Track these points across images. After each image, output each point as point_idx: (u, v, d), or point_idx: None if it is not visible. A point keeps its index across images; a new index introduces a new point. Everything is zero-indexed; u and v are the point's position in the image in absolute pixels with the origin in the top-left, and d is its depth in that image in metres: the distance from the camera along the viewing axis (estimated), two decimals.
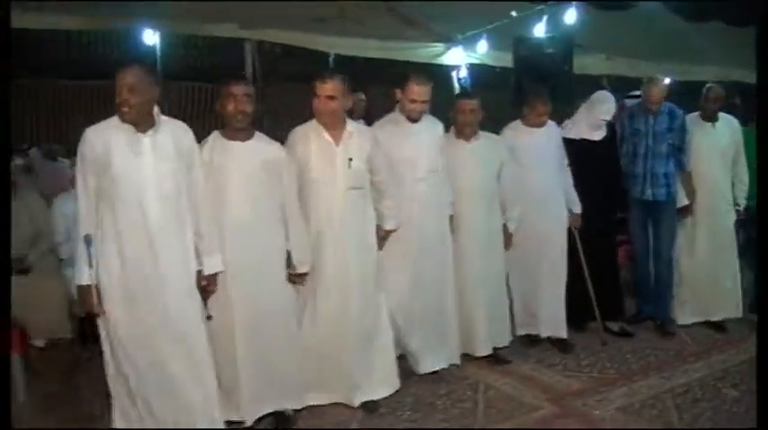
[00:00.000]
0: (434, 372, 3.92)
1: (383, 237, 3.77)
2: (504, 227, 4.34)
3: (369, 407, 3.55)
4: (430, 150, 3.96)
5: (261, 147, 3.33)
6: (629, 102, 5.02)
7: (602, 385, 3.88)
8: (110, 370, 2.93)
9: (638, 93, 6.13)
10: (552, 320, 4.48)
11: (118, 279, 2.87)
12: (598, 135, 4.73)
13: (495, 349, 4.22)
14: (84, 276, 2.85)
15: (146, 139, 2.87)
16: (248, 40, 6.56)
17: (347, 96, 3.58)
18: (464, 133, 4.22)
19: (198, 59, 8.64)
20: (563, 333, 4.49)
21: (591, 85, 8.31)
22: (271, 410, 3.36)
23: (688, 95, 5.64)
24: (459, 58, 7.73)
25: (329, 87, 3.48)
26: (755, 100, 3.66)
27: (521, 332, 4.54)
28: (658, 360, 4.29)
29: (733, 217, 5.00)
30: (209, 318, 3.06)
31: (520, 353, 4.35)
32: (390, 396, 3.64)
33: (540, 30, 6.85)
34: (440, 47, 7.65)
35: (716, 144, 4.92)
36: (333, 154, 3.51)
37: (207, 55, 8.45)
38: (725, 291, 4.98)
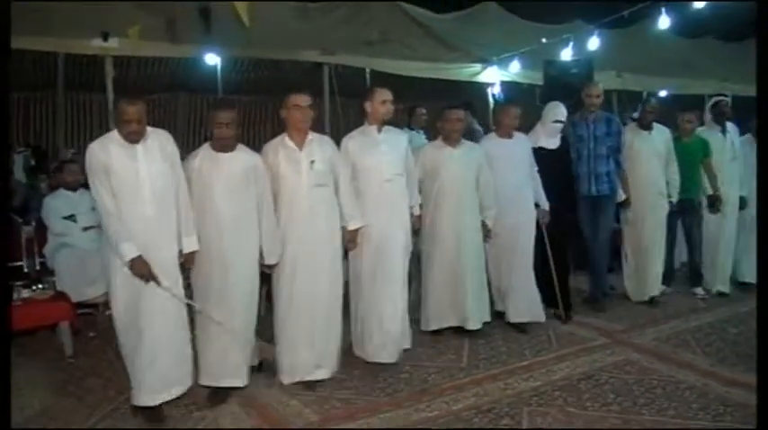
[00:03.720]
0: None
1: (350, 238, 4.22)
2: (483, 222, 4.92)
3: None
4: (394, 156, 4.39)
5: (241, 157, 3.87)
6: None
7: (637, 327, 5.19)
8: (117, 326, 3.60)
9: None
10: (523, 305, 5.07)
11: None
12: (553, 143, 5.33)
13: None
14: (131, 250, 3.43)
15: (138, 147, 3.52)
16: (327, 63, 7.86)
17: (314, 109, 4.09)
18: (451, 139, 4.84)
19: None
20: (540, 317, 5.11)
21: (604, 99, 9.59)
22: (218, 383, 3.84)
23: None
24: (494, 77, 9.03)
25: (307, 98, 4.01)
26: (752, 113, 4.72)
27: (497, 308, 5.18)
28: (677, 311, 5.60)
29: (666, 208, 5.77)
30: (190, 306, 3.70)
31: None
32: (482, 340, 4.83)
33: (566, 53, 8.14)
34: (477, 67, 8.95)
35: (653, 148, 5.72)
36: (297, 158, 4.01)
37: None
38: (659, 271, 5.83)
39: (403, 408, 3.70)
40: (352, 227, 4.21)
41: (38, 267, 5.65)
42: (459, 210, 4.81)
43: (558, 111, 5.30)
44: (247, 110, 11.48)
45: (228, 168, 3.81)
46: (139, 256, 3.44)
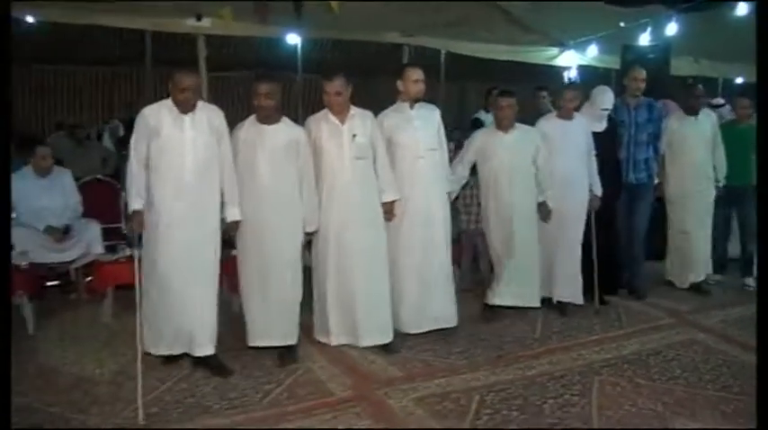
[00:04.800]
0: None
1: (386, 210, 4.37)
2: (543, 203, 4.94)
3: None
4: (428, 131, 4.52)
5: (284, 129, 4.05)
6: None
7: (704, 308, 5.37)
8: (143, 280, 3.79)
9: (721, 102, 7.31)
10: (567, 287, 5.16)
11: (158, 217, 3.73)
12: (600, 127, 5.27)
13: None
14: (137, 203, 3.75)
15: (186, 118, 3.76)
16: (407, 45, 8.12)
17: (349, 88, 4.19)
18: (502, 125, 4.86)
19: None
20: (579, 299, 5.18)
21: (679, 84, 9.55)
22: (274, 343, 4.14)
23: None
24: (572, 61, 9.13)
25: (336, 84, 4.13)
26: None
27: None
28: (742, 298, 5.69)
29: (713, 194, 5.76)
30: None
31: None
32: (553, 315, 5.13)
33: (644, 38, 8.16)
34: (554, 50, 9.07)
35: (700, 134, 5.66)
36: (339, 132, 4.21)
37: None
38: (705, 257, 5.83)
39: (480, 371, 4.01)
40: (386, 199, 4.36)
41: None
42: (510, 195, 4.89)
43: (605, 98, 5.29)
44: None
45: (272, 140, 4.00)
46: (140, 211, 3.76)
